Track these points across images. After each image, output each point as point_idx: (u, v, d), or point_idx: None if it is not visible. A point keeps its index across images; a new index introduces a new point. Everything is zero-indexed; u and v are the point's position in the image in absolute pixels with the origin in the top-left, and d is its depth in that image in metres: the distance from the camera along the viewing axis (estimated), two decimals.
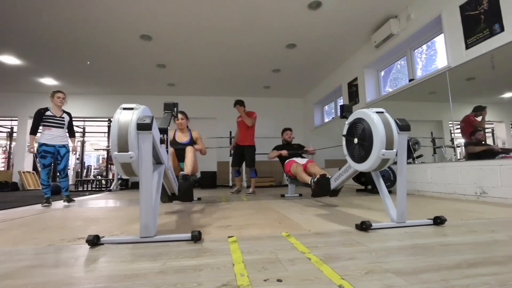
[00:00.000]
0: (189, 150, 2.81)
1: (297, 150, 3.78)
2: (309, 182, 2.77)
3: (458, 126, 3.37)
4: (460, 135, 3.39)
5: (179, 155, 2.88)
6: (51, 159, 3.24)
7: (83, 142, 8.99)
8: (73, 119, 3.55)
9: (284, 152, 3.64)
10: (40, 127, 3.28)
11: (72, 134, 3.50)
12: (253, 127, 4.39)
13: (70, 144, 3.52)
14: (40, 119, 3.22)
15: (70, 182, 10.18)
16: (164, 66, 5.56)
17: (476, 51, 2.81)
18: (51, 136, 3.24)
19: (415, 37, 3.82)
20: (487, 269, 0.89)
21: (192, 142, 3.15)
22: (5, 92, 6.86)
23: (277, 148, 3.87)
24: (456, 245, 1.17)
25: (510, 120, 3.00)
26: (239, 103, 4.28)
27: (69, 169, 6.68)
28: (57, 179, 7.12)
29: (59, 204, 3.34)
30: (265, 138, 7.21)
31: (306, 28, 4.22)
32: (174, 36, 4.40)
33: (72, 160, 12.02)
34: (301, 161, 3.39)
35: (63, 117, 3.35)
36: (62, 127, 3.33)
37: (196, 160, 2.89)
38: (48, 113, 3.26)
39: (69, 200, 3.39)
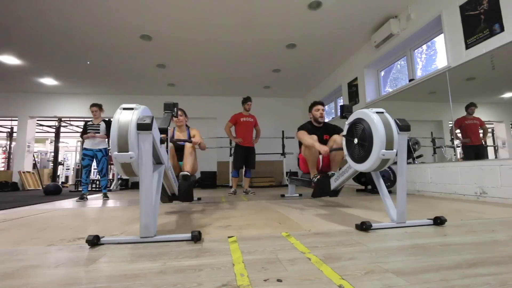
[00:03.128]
0: (187, 146, 2.67)
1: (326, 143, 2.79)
2: (311, 179, 2.56)
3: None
4: (459, 135, 3.40)
5: (178, 154, 2.75)
6: (88, 161, 3.84)
7: (82, 142, 8.97)
8: (87, 122, 4.04)
9: (323, 150, 2.39)
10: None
11: (108, 135, 4.04)
12: None
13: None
14: (84, 127, 3.96)
15: (70, 182, 10.20)
16: (164, 66, 5.56)
17: (476, 51, 2.81)
18: (90, 142, 3.87)
19: (415, 37, 3.82)
20: (487, 269, 0.89)
21: (189, 138, 2.95)
22: (5, 92, 6.85)
23: (308, 130, 2.78)
24: (456, 245, 1.17)
25: (510, 120, 3.00)
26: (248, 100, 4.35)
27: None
28: (57, 179, 7.14)
29: (59, 204, 3.35)
30: (265, 138, 7.21)
31: (306, 28, 4.22)
32: (174, 36, 4.40)
33: (73, 160, 12.03)
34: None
35: (99, 125, 3.94)
36: (99, 133, 3.90)
37: (195, 158, 2.76)
38: (89, 122, 3.97)
39: (105, 196, 3.86)
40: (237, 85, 6.81)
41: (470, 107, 3.57)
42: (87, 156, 3.82)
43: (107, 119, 4.06)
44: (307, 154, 2.61)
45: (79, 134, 4.08)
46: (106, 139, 3.96)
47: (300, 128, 2.86)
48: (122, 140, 1.21)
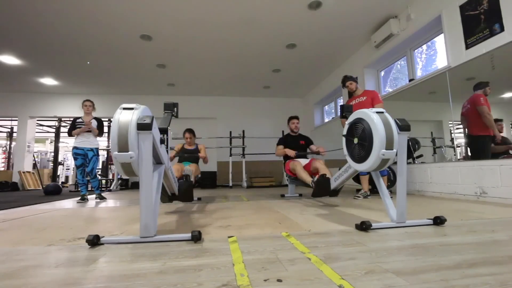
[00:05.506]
0: (194, 164, 3.48)
1: (304, 148, 3.63)
2: (310, 184, 2.82)
3: (459, 124, 3.34)
4: (460, 134, 3.38)
5: (186, 158, 3.57)
6: (81, 161, 3.63)
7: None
8: (76, 119, 3.76)
9: (291, 153, 3.39)
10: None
11: (100, 134, 3.82)
12: None
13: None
14: (73, 125, 3.69)
15: (70, 182, 10.21)
16: (164, 66, 5.56)
17: (476, 51, 2.81)
18: (80, 140, 3.65)
19: (415, 37, 3.82)
20: (487, 269, 0.89)
21: (197, 150, 3.74)
22: (5, 92, 6.86)
23: (282, 142, 3.71)
24: (456, 245, 1.17)
25: (510, 120, 3.00)
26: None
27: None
28: (57, 179, 7.14)
29: (59, 204, 3.34)
30: (265, 138, 7.22)
31: (306, 28, 4.22)
32: (174, 36, 4.40)
33: (72, 160, 12.02)
34: (303, 161, 3.36)
35: (90, 122, 3.71)
36: (90, 131, 3.67)
37: (198, 166, 3.50)
38: (79, 120, 3.71)
39: (101, 197, 3.72)
40: (237, 85, 6.82)
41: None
42: (79, 155, 3.60)
43: (98, 118, 3.84)
44: (296, 171, 3.15)
45: (67, 132, 3.74)
46: (97, 138, 3.77)
47: (278, 143, 3.73)
48: (122, 140, 1.21)
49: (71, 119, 3.85)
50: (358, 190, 4.23)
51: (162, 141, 1.51)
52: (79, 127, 3.62)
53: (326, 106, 7.32)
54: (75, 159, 3.62)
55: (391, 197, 1.70)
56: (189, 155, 3.60)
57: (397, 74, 4.82)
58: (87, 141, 3.66)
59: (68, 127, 3.74)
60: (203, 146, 3.78)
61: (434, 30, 3.58)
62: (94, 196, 3.92)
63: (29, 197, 4.49)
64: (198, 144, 3.80)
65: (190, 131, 3.73)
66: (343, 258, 1.02)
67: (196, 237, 1.30)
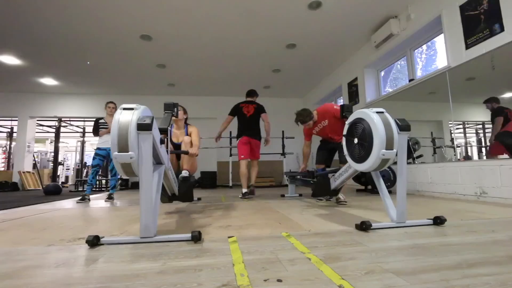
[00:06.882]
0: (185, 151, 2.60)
1: (256, 120, 3.66)
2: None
3: (460, 126, 3.32)
4: (460, 134, 3.38)
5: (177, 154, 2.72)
6: (98, 161, 3.66)
7: (83, 142, 9.00)
8: (99, 119, 3.85)
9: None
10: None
11: None
12: None
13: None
14: (96, 125, 3.79)
15: (70, 182, 10.21)
16: (164, 66, 5.56)
17: (476, 51, 2.81)
18: (103, 140, 3.71)
19: (415, 37, 3.82)
20: (487, 269, 0.89)
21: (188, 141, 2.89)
22: (5, 92, 6.85)
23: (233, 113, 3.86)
24: (456, 245, 1.17)
25: None
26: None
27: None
28: (57, 179, 7.13)
29: (59, 204, 3.35)
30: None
31: (306, 28, 4.22)
32: (174, 36, 4.40)
33: (72, 160, 12.03)
34: (243, 147, 3.51)
35: None
36: None
37: (193, 159, 2.69)
38: (101, 121, 3.80)
39: (110, 197, 3.72)
40: (237, 85, 6.81)
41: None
42: (98, 155, 3.64)
43: None
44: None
45: (92, 132, 3.86)
46: None
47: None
48: (122, 140, 1.21)
49: (72, 119, 3.87)
50: (358, 190, 4.23)
51: (162, 141, 1.51)
52: (102, 128, 3.71)
53: None
54: (93, 158, 3.68)
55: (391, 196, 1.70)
56: (173, 150, 2.71)
57: (397, 74, 4.82)
58: (109, 141, 3.72)
59: (92, 127, 3.86)
60: (194, 128, 2.87)
61: (434, 30, 3.57)
62: (99, 195, 3.97)
63: (29, 197, 4.49)
64: (189, 126, 2.89)
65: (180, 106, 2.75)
66: (343, 258, 1.02)
67: (196, 237, 1.30)
